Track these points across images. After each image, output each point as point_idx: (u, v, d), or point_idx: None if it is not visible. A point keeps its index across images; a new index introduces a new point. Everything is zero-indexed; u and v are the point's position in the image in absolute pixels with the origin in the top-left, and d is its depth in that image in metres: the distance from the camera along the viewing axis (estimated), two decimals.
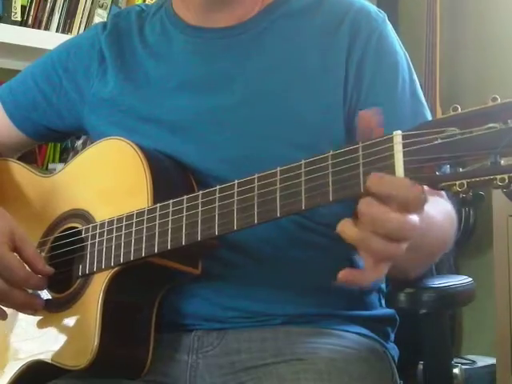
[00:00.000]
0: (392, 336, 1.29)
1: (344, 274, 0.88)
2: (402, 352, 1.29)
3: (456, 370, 1.28)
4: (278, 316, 1.16)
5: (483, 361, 2.55)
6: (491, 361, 2.39)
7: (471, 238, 2.56)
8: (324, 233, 1.16)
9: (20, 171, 1.35)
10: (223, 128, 1.19)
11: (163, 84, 1.25)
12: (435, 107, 2.73)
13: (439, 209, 1.08)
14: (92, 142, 1.28)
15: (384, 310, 1.26)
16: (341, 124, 1.17)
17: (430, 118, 1.21)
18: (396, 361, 1.27)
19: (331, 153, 0.90)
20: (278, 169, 0.95)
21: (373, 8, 1.25)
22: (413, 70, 1.24)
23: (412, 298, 1.20)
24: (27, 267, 1.16)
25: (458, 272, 2.41)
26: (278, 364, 1.11)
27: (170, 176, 1.17)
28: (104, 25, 1.36)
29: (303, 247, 1.16)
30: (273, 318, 1.16)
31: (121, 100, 1.27)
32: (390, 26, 1.24)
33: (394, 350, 1.27)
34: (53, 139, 1.55)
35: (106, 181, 1.19)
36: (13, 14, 2.13)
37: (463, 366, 2.39)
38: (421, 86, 2.98)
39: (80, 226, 1.18)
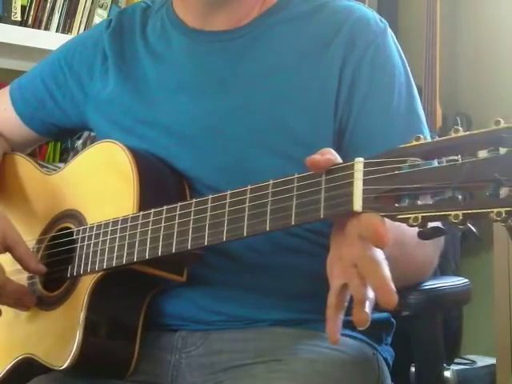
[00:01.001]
0: (388, 339, 1.28)
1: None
2: (398, 354, 1.28)
3: (447, 373, 1.27)
4: (263, 321, 1.16)
5: (483, 361, 2.54)
6: (491, 361, 2.39)
7: (471, 238, 2.56)
8: (311, 239, 1.15)
9: (26, 166, 1.36)
10: (215, 134, 1.18)
11: (161, 85, 1.25)
12: (435, 109, 2.73)
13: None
14: (92, 142, 1.29)
15: (377, 315, 1.25)
16: (330, 139, 1.15)
17: (426, 134, 1.17)
18: (390, 363, 1.27)
19: (297, 175, 0.90)
20: (249, 187, 0.95)
21: (373, 17, 1.21)
22: (412, 83, 1.20)
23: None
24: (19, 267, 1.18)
25: (457, 273, 2.40)
26: (256, 364, 1.12)
27: (160, 182, 1.17)
28: (109, 22, 1.36)
29: (290, 253, 1.16)
30: (257, 323, 1.16)
31: (120, 100, 1.27)
32: (390, 37, 1.20)
33: (387, 352, 1.26)
34: (61, 136, 1.57)
35: (97, 183, 1.20)
36: (13, 13, 2.14)
37: (460, 367, 2.38)
38: (420, 87, 3.00)
39: (73, 227, 1.19)
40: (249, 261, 1.14)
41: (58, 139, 2.17)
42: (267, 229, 0.91)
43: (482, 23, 2.82)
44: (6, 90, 1.45)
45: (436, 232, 0.78)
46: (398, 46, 1.22)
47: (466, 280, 1.30)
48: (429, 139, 0.80)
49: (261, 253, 1.14)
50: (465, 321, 2.26)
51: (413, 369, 1.28)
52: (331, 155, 0.88)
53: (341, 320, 0.88)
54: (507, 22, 2.72)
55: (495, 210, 0.72)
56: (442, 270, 1.48)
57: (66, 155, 2.26)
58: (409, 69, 1.22)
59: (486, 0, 2.84)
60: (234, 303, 1.15)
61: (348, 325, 1.20)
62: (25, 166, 1.36)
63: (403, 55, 1.22)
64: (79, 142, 2.20)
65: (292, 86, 1.17)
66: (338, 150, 1.14)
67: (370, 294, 0.85)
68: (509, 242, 2.12)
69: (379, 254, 0.84)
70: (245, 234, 0.93)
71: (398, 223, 0.82)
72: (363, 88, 1.16)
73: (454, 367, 1.30)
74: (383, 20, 1.23)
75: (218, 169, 1.17)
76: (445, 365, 1.28)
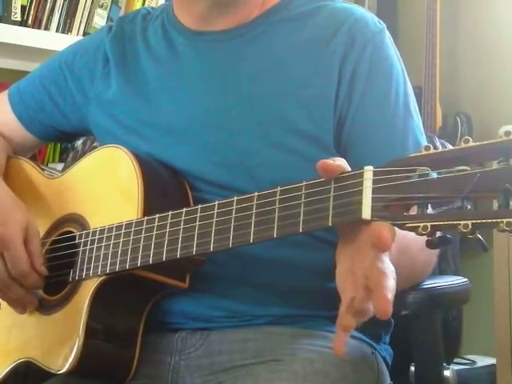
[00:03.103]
0: (386, 338, 1.28)
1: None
2: (397, 354, 1.28)
3: (447, 373, 1.26)
4: (262, 316, 1.17)
5: (483, 361, 2.54)
6: (491, 361, 2.39)
7: (477, 246, 2.56)
8: (315, 234, 1.16)
9: (29, 170, 1.36)
10: (216, 130, 1.19)
11: (162, 86, 1.25)
12: (435, 109, 2.74)
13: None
14: (93, 142, 1.29)
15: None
16: (330, 134, 1.16)
17: (420, 135, 1.19)
18: (389, 362, 1.27)
19: (305, 183, 0.89)
20: (256, 194, 0.94)
21: (372, 18, 1.23)
22: (409, 84, 1.22)
23: (395, 299, 1.16)
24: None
25: (457, 273, 2.41)
26: (256, 365, 1.12)
27: (163, 186, 1.17)
28: (109, 27, 1.37)
29: (294, 247, 1.16)
30: (257, 318, 1.17)
31: (122, 102, 1.28)
32: (388, 38, 1.22)
33: (386, 351, 1.26)
34: (61, 140, 1.57)
35: (101, 188, 1.19)
36: (13, 13, 2.14)
37: (460, 367, 2.38)
38: (420, 87, 3.00)
39: (75, 231, 1.19)
40: (251, 256, 1.14)
41: (57, 143, 2.17)
42: (274, 236, 0.91)
43: (481, 23, 2.82)
44: (4, 94, 1.45)
45: (444, 241, 0.78)
46: (395, 48, 1.24)
47: (465, 279, 1.29)
48: (438, 149, 0.80)
49: (264, 248, 1.14)
50: (464, 321, 2.26)
51: (412, 368, 1.27)
52: (342, 162, 0.88)
53: (349, 333, 0.87)
54: (507, 22, 2.72)
55: (505, 221, 0.72)
56: (442, 270, 1.48)
57: (65, 155, 2.26)
58: (405, 70, 1.23)
59: (486, 0, 2.84)
60: (234, 298, 1.16)
61: None
62: (27, 170, 1.36)
63: (400, 56, 1.24)
64: (79, 142, 2.20)
65: (292, 82, 1.18)
66: (338, 144, 1.16)
67: (371, 309, 0.85)
68: (509, 242, 2.12)
69: (389, 266, 0.84)
70: (251, 240, 0.93)
71: (401, 231, 0.82)
72: (362, 85, 1.17)
73: (454, 367, 1.29)
74: (381, 22, 1.25)
75: (220, 164, 1.17)
76: (444, 364, 1.28)
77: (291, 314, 1.17)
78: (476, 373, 2.47)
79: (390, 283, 0.82)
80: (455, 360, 2.18)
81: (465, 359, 2.54)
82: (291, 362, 1.10)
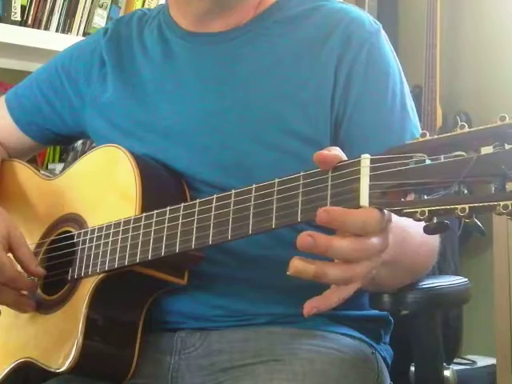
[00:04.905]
0: (386, 337, 1.28)
1: (309, 306, 0.88)
2: (397, 354, 1.28)
3: (447, 373, 1.26)
4: (262, 315, 1.17)
5: (483, 361, 2.55)
6: (491, 361, 2.39)
7: (470, 237, 2.57)
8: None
9: (25, 172, 1.37)
10: (213, 133, 1.19)
11: (159, 88, 1.26)
12: (435, 109, 2.74)
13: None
14: (92, 142, 1.29)
15: (375, 311, 1.25)
16: (327, 135, 1.16)
17: (417, 135, 1.19)
18: (389, 362, 1.27)
19: (303, 173, 0.89)
20: (254, 186, 0.94)
21: (368, 18, 1.23)
22: (405, 83, 1.22)
23: (395, 299, 1.16)
24: (19, 268, 1.18)
25: (457, 272, 2.41)
26: (256, 365, 1.12)
27: (161, 185, 1.18)
28: (105, 30, 1.38)
29: (289, 247, 1.16)
30: (257, 317, 1.17)
31: (120, 103, 1.28)
32: (384, 38, 1.22)
33: (386, 351, 1.27)
34: (58, 142, 1.57)
35: (99, 187, 1.20)
36: (13, 13, 2.14)
37: (460, 367, 2.39)
38: (420, 87, 2.99)
39: (74, 231, 1.19)
40: (250, 255, 1.15)
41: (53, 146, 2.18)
42: (273, 226, 0.90)
43: (481, 23, 2.83)
44: (2, 98, 1.46)
45: (441, 226, 0.78)
46: (391, 47, 1.24)
47: (465, 279, 1.29)
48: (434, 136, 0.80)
49: (262, 247, 1.14)
50: (465, 321, 2.27)
51: (412, 368, 1.27)
52: (338, 152, 0.88)
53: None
54: (507, 22, 2.73)
55: (501, 203, 0.72)
56: (442, 270, 1.47)
57: (65, 155, 2.26)
58: (402, 70, 1.23)
59: (486, 0, 2.84)
60: (233, 297, 1.16)
61: (346, 322, 1.21)
62: (23, 172, 1.37)
63: (396, 56, 1.24)
64: (79, 142, 2.21)
65: (289, 83, 1.18)
66: (335, 145, 1.16)
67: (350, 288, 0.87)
68: (508, 242, 2.12)
69: (372, 247, 0.82)
70: (250, 232, 0.93)
71: (401, 224, 0.82)
72: (358, 85, 1.17)
73: (454, 367, 1.29)
74: (377, 22, 1.25)
75: (217, 166, 1.18)
76: (444, 364, 1.28)
77: (291, 313, 1.17)
78: (476, 373, 2.47)
79: (341, 242, 0.82)
80: (455, 360, 2.18)
81: (465, 359, 2.54)
82: (291, 362, 1.10)
